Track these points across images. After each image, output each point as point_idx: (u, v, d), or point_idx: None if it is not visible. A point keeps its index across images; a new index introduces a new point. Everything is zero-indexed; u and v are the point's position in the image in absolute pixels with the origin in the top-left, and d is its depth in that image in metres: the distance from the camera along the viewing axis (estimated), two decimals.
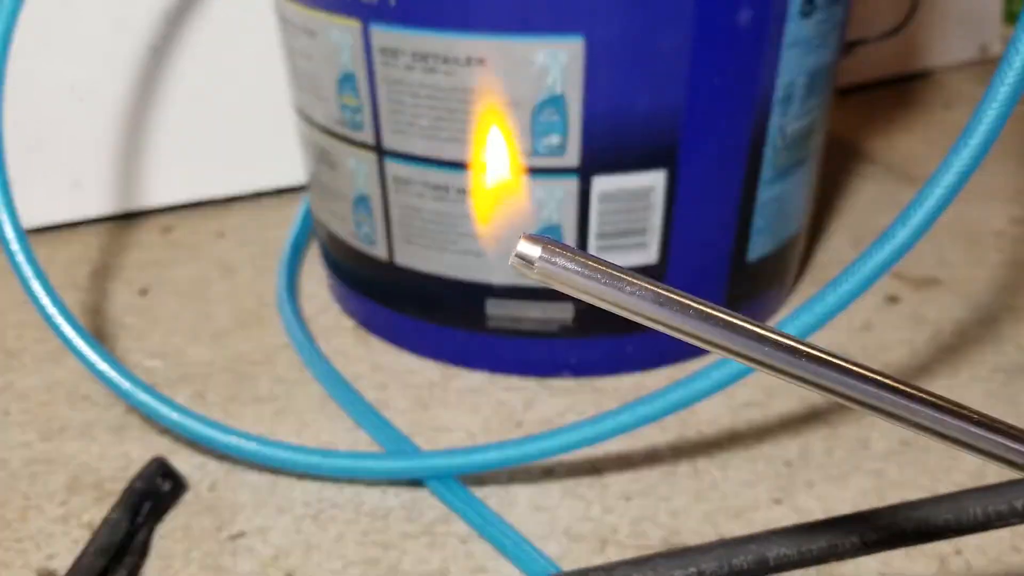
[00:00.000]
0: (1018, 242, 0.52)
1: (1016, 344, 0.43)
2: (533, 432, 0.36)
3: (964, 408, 0.14)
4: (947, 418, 0.14)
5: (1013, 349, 0.43)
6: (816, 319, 0.30)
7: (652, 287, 0.14)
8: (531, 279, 0.14)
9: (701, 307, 0.14)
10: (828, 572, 0.31)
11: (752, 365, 0.14)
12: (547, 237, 0.14)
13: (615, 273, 0.14)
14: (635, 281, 0.14)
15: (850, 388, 0.14)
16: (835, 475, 0.35)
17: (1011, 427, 0.15)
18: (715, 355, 0.14)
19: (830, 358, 0.14)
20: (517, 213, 0.17)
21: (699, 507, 0.34)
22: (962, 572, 0.31)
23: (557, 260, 0.13)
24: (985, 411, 0.40)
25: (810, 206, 0.45)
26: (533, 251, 0.13)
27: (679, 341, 0.44)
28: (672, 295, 0.14)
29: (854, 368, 0.14)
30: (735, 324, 0.14)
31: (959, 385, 0.40)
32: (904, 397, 0.14)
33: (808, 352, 0.14)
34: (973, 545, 0.32)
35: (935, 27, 0.76)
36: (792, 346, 0.14)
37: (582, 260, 0.13)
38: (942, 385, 0.40)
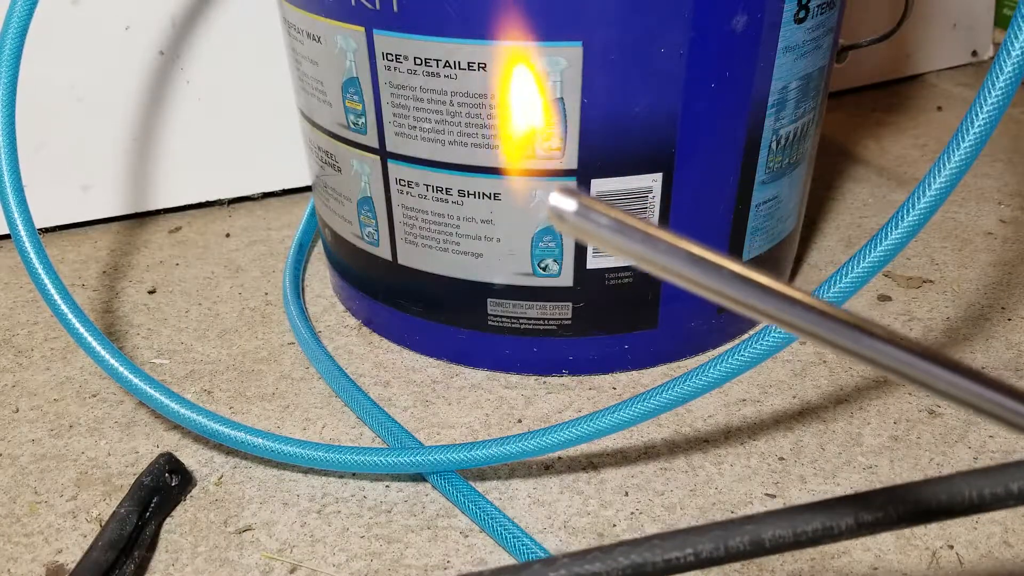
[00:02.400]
0: (1007, 242, 0.52)
1: (1006, 342, 0.44)
2: (533, 428, 0.37)
3: (995, 380, 0.14)
4: (975, 386, 0.14)
5: (1002, 347, 0.43)
6: None
7: (684, 245, 0.13)
8: (564, 232, 0.13)
9: (733, 267, 0.13)
10: (823, 564, 0.32)
11: (783, 327, 0.14)
12: (580, 191, 0.13)
13: (648, 230, 0.13)
14: (668, 239, 0.13)
15: (870, 350, 0.14)
16: (828, 470, 0.36)
17: None
18: (756, 318, 0.14)
19: (857, 322, 0.14)
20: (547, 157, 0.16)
21: (694, 502, 0.35)
22: (954, 566, 0.32)
23: (591, 215, 0.13)
24: None
25: (803, 207, 0.46)
26: (568, 204, 0.13)
27: (674, 340, 0.44)
28: (704, 253, 0.13)
29: (871, 330, 0.14)
30: (766, 286, 0.13)
31: None
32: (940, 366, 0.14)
33: (836, 316, 0.14)
34: (965, 540, 0.33)
35: (927, 32, 0.76)
36: (822, 310, 0.14)
37: (616, 215, 0.13)
38: None
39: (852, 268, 0.30)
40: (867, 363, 0.14)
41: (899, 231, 0.29)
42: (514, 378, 0.42)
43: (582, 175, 0.36)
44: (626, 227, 0.13)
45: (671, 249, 0.13)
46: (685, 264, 0.13)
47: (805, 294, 0.14)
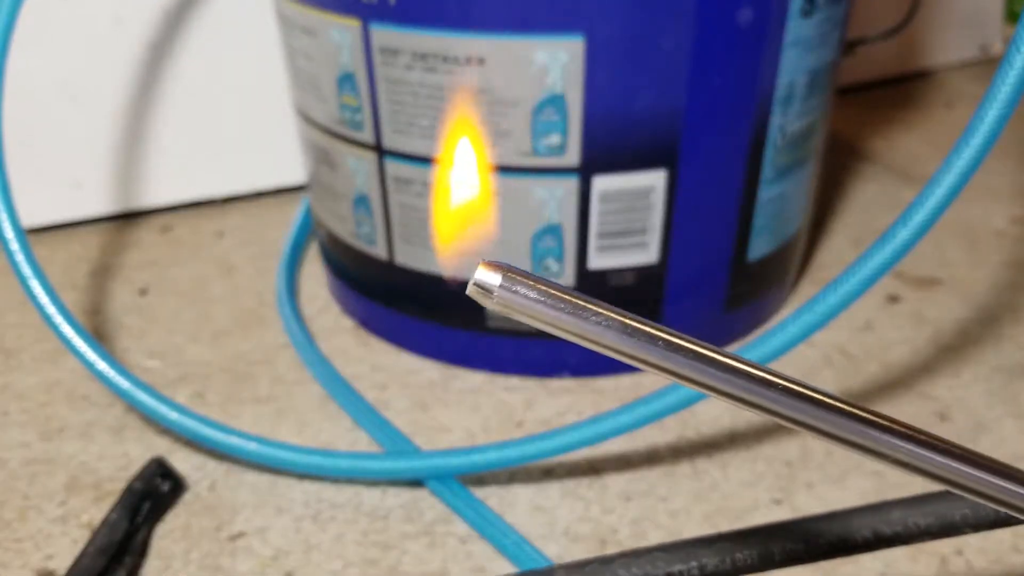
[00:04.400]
0: (1019, 242, 0.52)
1: (1017, 343, 0.43)
2: (533, 432, 0.36)
3: (919, 432, 0.14)
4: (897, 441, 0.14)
5: (1014, 348, 0.43)
6: (817, 319, 0.30)
7: (618, 316, 0.13)
8: (490, 308, 0.13)
9: (670, 338, 0.13)
10: (830, 570, 0.31)
11: (721, 398, 0.13)
12: (506, 264, 0.13)
13: (579, 302, 0.13)
14: (600, 311, 0.13)
15: (819, 420, 0.13)
16: (835, 475, 0.35)
17: (969, 452, 0.14)
18: (693, 388, 0.14)
19: (801, 389, 0.13)
20: (482, 233, 0.16)
21: (699, 508, 0.34)
22: (963, 572, 0.31)
23: (518, 289, 0.12)
24: (986, 411, 0.40)
25: (811, 206, 0.45)
26: (493, 279, 0.12)
27: None
28: (639, 325, 0.13)
29: (822, 399, 0.13)
30: (704, 355, 0.13)
31: (960, 385, 0.40)
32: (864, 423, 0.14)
33: (779, 383, 0.13)
34: (975, 545, 0.32)
35: (936, 27, 0.76)
36: (763, 377, 0.13)
37: (544, 288, 0.13)
38: (944, 384, 0.40)
39: (861, 268, 0.30)
40: (817, 434, 0.14)
41: (908, 230, 0.29)
42: (514, 380, 0.41)
43: (584, 172, 0.36)
44: (556, 302, 0.13)
45: (605, 320, 0.13)
46: (619, 337, 0.13)
47: (742, 361, 0.13)
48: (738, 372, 0.13)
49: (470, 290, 0.13)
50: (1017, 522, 0.16)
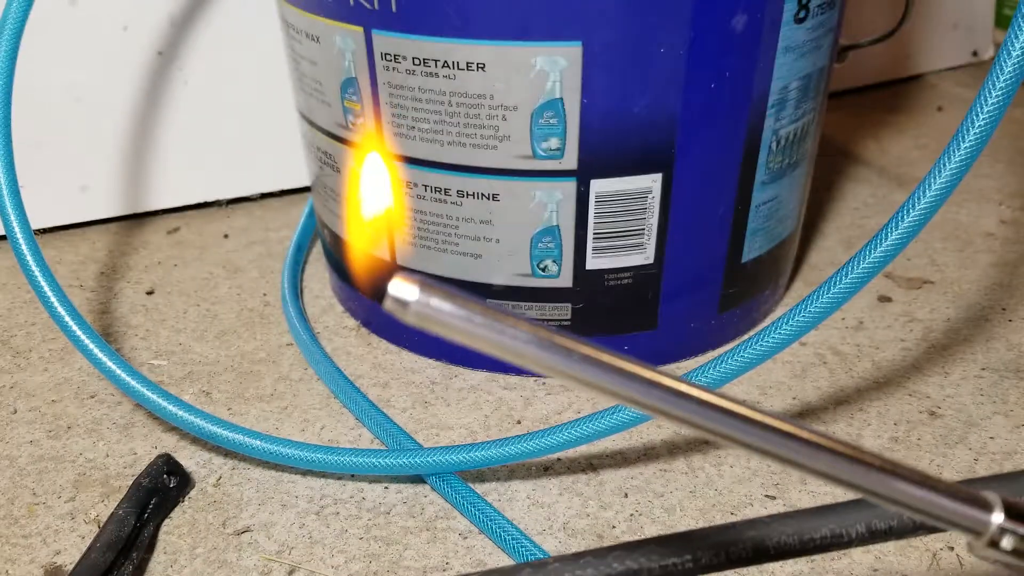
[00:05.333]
0: (1008, 243, 0.52)
1: (1006, 343, 0.43)
2: (532, 430, 0.37)
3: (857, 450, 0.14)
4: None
5: (1003, 348, 0.43)
6: (810, 319, 0.31)
7: (533, 329, 0.13)
8: (406, 322, 0.13)
9: (587, 351, 0.13)
10: (823, 566, 0.32)
11: (642, 410, 0.13)
12: (421, 278, 0.12)
13: (494, 315, 0.12)
14: (515, 324, 0.13)
15: (742, 433, 0.13)
16: None
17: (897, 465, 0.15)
18: (612, 401, 0.14)
19: (720, 403, 0.13)
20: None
21: (694, 503, 0.35)
22: (954, 567, 0.32)
23: (433, 302, 0.12)
24: (976, 408, 0.40)
25: (803, 208, 0.46)
26: (409, 294, 0.12)
27: (674, 341, 0.44)
28: (555, 338, 0.13)
29: (742, 412, 0.13)
30: (623, 369, 0.13)
31: (950, 383, 0.41)
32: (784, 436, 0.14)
33: (698, 398, 0.13)
34: (965, 541, 0.32)
35: (928, 32, 0.76)
36: (683, 392, 0.13)
37: (460, 302, 0.12)
38: (934, 383, 0.41)
39: (852, 269, 0.30)
40: (740, 446, 0.14)
41: (899, 232, 0.29)
42: (513, 379, 0.42)
43: (582, 175, 0.36)
44: (473, 315, 0.12)
45: (520, 335, 0.13)
46: (536, 349, 0.13)
47: (662, 375, 0.13)
48: (654, 384, 0.13)
49: (386, 304, 0.12)
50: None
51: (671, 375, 0.13)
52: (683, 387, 0.13)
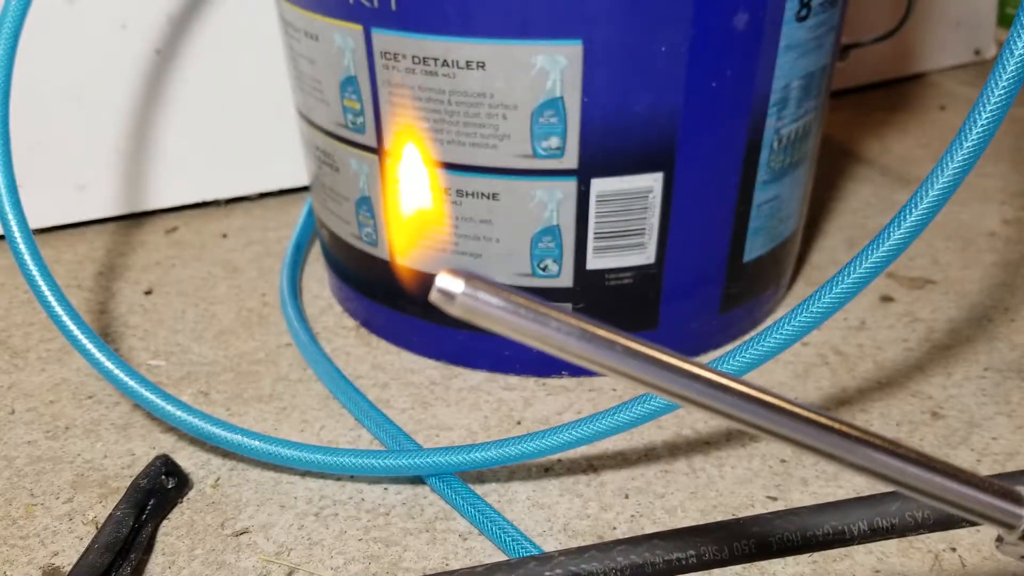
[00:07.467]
0: (1011, 243, 0.52)
1: (1009, 343, 0.43)
2: (532, 430, 0.37)
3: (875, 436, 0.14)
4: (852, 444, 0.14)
5: (1006, 348, 0.43)
6: (812, 319, 0.31)
7: (577, 323, 0.13)
8: (452, 314, 0.13)
9: (628, 343, 0.13)
10: (824, 567, 0.31)
11: (679, 402, 0.14)
12: (469, 271, 0.13)
13: (539, 309, 0.13)
14: (559, 317, 0.13)
15: (782, 426, 0.14)
16: (830, 472, 0.36)
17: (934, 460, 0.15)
18: (652, 393, 0.14)
19: (760, 395, 0.14)
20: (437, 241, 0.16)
21: (695, 504, 0.34)
22: (956, 568, 0.31)
23: (480, 295, 0.13)
24: (978, 409, 0.40)
25: (805, 207, 0.46)
26: (455, 286, 0.13)
27: (675, 341, 0.44)
28: (598, 331, 0.13)
29: (784, 406, 0.14)
30: (663, 361, 0.13)
31: (953, 383, 0.41)
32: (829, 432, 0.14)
33: (737, 390, 0.13)
34: (967, 542, 0.32)
35: (930, 31, 0.76)
36: (722, 384, 0.13)
37: (505, 295, 0.13)
38: (936, 383, 0.41)
39: (854, 269, 0.30)
40: (768, 435, 0.14)
41: (902, 231, 0.29)
42: (513, 379, 0.42)
43: (582, 175, 0.36)
44: (517, 307, 0.13)
45: (563, 328, 0.13)
46: (579, 342, 0.13)
47: (702, 367, 0.13)
48: (694, 376, 0.13)
49: (432, 296, 0.13)
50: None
51: (711, 368, 0.14)
52: (725, 380, 0.14)
